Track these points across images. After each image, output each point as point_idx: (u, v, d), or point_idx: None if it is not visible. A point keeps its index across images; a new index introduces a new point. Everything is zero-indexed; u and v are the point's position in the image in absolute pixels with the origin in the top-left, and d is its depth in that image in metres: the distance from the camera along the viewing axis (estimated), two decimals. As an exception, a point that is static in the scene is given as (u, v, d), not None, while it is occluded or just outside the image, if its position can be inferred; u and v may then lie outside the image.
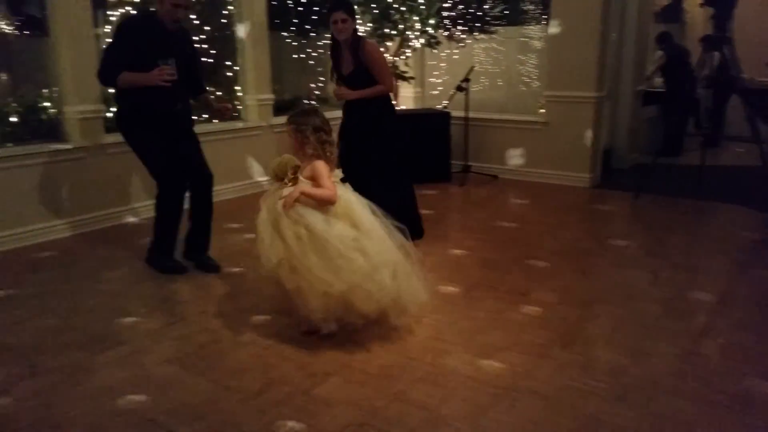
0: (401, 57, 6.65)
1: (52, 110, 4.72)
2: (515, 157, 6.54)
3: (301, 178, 2.83)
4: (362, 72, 4.18)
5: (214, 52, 5.79)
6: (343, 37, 4.11)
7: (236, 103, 6.03)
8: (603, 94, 6.09)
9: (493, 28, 6.76)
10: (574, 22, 5.87)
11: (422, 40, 6.47)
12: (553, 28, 6.05)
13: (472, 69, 6.26)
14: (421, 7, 6.26)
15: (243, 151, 5.91)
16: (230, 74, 5.95)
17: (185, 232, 3.95)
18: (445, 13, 6.47)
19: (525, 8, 7.17)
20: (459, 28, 6.60)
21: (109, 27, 4.92)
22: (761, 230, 4.72)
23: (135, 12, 5.02)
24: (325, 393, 2.52)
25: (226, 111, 4.18)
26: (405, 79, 6.77)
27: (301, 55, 6.56)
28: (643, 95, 7.15)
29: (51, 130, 4.71)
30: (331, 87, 4.62)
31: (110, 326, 3.16)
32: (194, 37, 5.44)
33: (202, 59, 5.63)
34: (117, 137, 4.08)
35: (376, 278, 2.72)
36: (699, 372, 2.67)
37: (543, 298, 3.45)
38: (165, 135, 3.71)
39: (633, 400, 2.46)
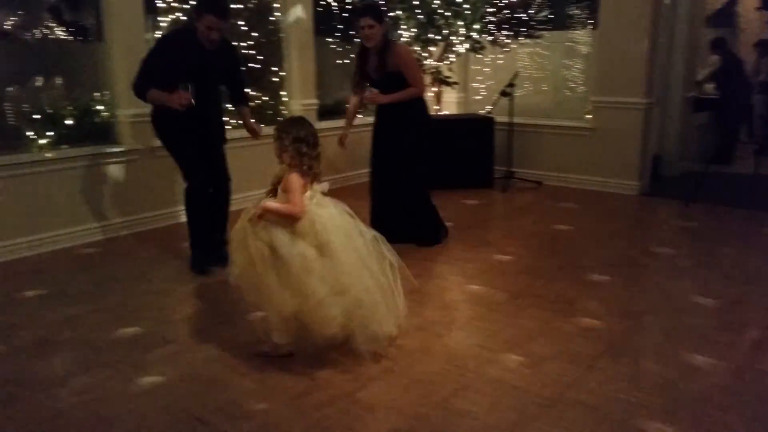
0: (445, 62, 6.64)
1: (105, 114, 4.87)
2: (560, 164, 6.45)
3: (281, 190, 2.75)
4: (393, 76, 4.14)
5: (261, 57, 5.88)
6: (371, 43, 4.10)
7: (281, 107, 6.12)
8: (652, 100, 5.97)
9: (538, 33, 6.69)
10: (623, 26, 5.77)
11: (467, 45, 6.44)
12: (602, 33, 5.96)
13: (517, 74, 6.21)
14: (466, 12, 6.24)
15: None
16: (276, 79, 6.04)
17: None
18: (489, 18, 6.43)
19: (570, 13, 7.08)
20: (503, 32, 6.55)
21: (160, 33, 5.04)
22: (819, 242, 4.55)
23: (180, 24, 5.14)
24: (369, 397, 2.52)
25: (254, 133, 4.26)
26: (448, 84, 6.75)
27: (345, 61, 6.60)
28: (694, 102, 6.97)
29: (104, 132, 4.87)
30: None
31: (159, 324, 3.24)
32: (242, 44, 5.61)
33: (250, 65, 5.76)
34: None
35: (333, 303, 2.60)
36: (753, 388, 2.58)
37: (590, 308, 3.39)
38: (195, 137, 3.89)
39: (683, 415, 2.39)
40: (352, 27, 6.68)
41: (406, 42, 6.42)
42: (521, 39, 6.70)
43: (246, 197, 4.88)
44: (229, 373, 2.72)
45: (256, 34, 5.81)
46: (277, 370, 2.74)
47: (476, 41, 6.45)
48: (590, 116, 6.26)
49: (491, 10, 6.43)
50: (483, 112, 6.84)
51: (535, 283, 3.77)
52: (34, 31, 5.06)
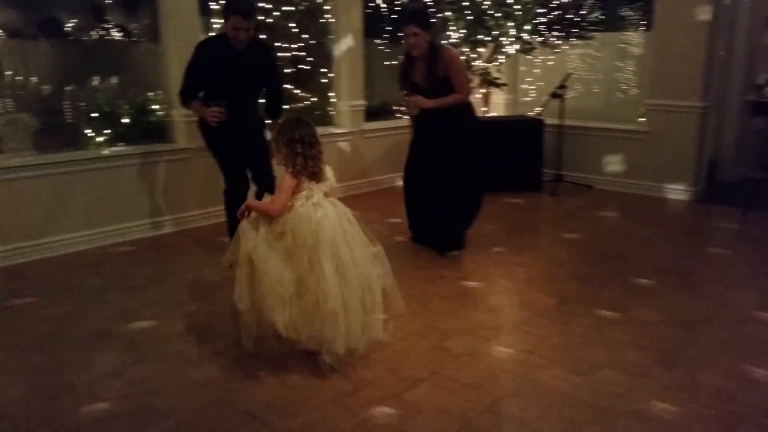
0: (494, 63, 6.58)
1: (160, 113, 5.00)
2: (612, 167, 6.31)
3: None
4: (443, 83, 4.07)
5: (311, 59, 5.94)
6: (417, 52, 4.03)
7: (329, 109, 6.17)
8: (709, 103, 5.78)
9: (589, 34, 6.57)
10: (680, 28, 5.61)
11: (517, 46, 6.37)
12: (657, 34, 5.81)
13: (568, 76, 6.11)
14: (517, 12, 6.17)
15: (335, 156, 6.04)
16: (324, 81, 6.09)
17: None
18: (540, 19, 6.35)
19: (623, 14, 6.93)
20: (554, 33, 6.46)
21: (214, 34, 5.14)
22: None
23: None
24: (416, 398, 2.52)
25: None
26: (497, 85, 6.69)
27: (393, 62, 6.61)
28: (752, 106, 6.71)
29: (159, 131, 5.00)
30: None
31: (210, 319, 3.31)
32: (292, 45, 5.68)
33: (299, 66, 5.83)
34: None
35: (287, 305, 2.64)
36: (819, 404, 2.47)
37: (642, 316, 3.31)
38: (232, 143, 4.03)
39: (742, 428, 2.31)
40: (399, 29, 6.69)
41: (454, 44, 6.39)
42: (572, 40, 6.59)
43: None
44: (277, 370, 2.75)
45: (306, 36, 5.88)
46: (326, 368, 2.76)
47: (527, 42, 6.37)
48: (643, 119, 6.11)
49: (542, 10, 6.34)
50: (532, 113, 6.75)
51: (584, 289, 3.69)
52: (91, 32, 5.25)
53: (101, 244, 4.54)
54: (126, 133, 4.86)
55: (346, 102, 6.09)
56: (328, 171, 2.91)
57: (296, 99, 5.95)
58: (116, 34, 5.25)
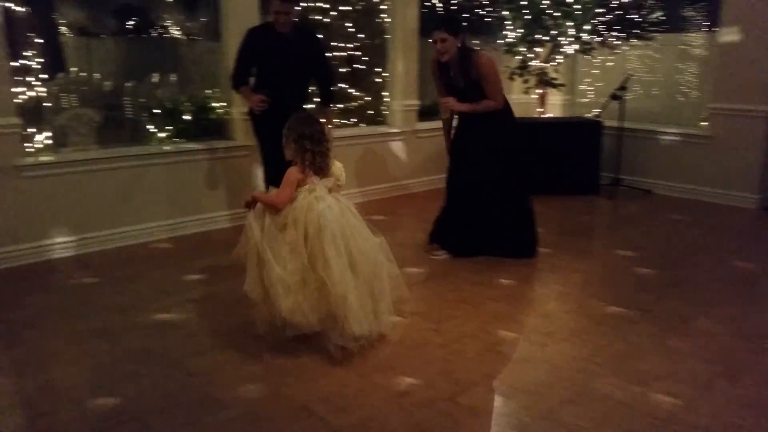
0: (551, 63, 6.47)
1: (220, 110, 5.11)
2: (673, 172, 6.13)
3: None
4: (474, 84, 3.96)
5: (366, 59, 5.97)
6: (445, 58, 3.91)
7: (382, 108, 6.19)
8: (777, 107, 5.55)
9: (649, 35, 6.38)
10: (748, 29, 5.40)
11: (575, 47, 6.25)
12: (723, 36, 5.60)
13: (629, 78, 5.96)
14: (576, 12, 6.05)
15: (389, 155, 6.05)
16: (379, 80, 6.11)
17: None
18: (599, 19, 6.21)
19: (685, 15, 6.71)
20: (614, 34, 6.30)
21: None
22: None
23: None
24: (470, 402, 2.50)
25: None
26: (554, 86, 6.58)
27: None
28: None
29: (219, 128, 5.11)
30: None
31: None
32: (348, 45, 5.72)
33: (354, 66, 5.87)
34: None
35: (294, 292, 2.72)
36: None
37: (705, 326, 3.20)
38: (274, 134, 4.00)
39: (815, 449, 2.21)
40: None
41: (511, 43, 6.31)
42: (632, 41, 6.42)
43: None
44: (330, 367, 2.77)
45: (362, 35, 5.91)
46: (380, 366, 2.77)
47: (586, 42, 6.25)
48: (706, 123, 5.91)
49: (602, 10, 6.20)
50: (590, 115, 6.61)
51: (644, 297, 3.60)
52: (150, 30, 5.40)
53: (159, 237, 4.66)
54: (186, 130, 4.98)
55: (399, 101, 6.10)
56: (339, 168, 3.04)
57: (350, 98, 5.99)
58: (175, 32, 5.39)
